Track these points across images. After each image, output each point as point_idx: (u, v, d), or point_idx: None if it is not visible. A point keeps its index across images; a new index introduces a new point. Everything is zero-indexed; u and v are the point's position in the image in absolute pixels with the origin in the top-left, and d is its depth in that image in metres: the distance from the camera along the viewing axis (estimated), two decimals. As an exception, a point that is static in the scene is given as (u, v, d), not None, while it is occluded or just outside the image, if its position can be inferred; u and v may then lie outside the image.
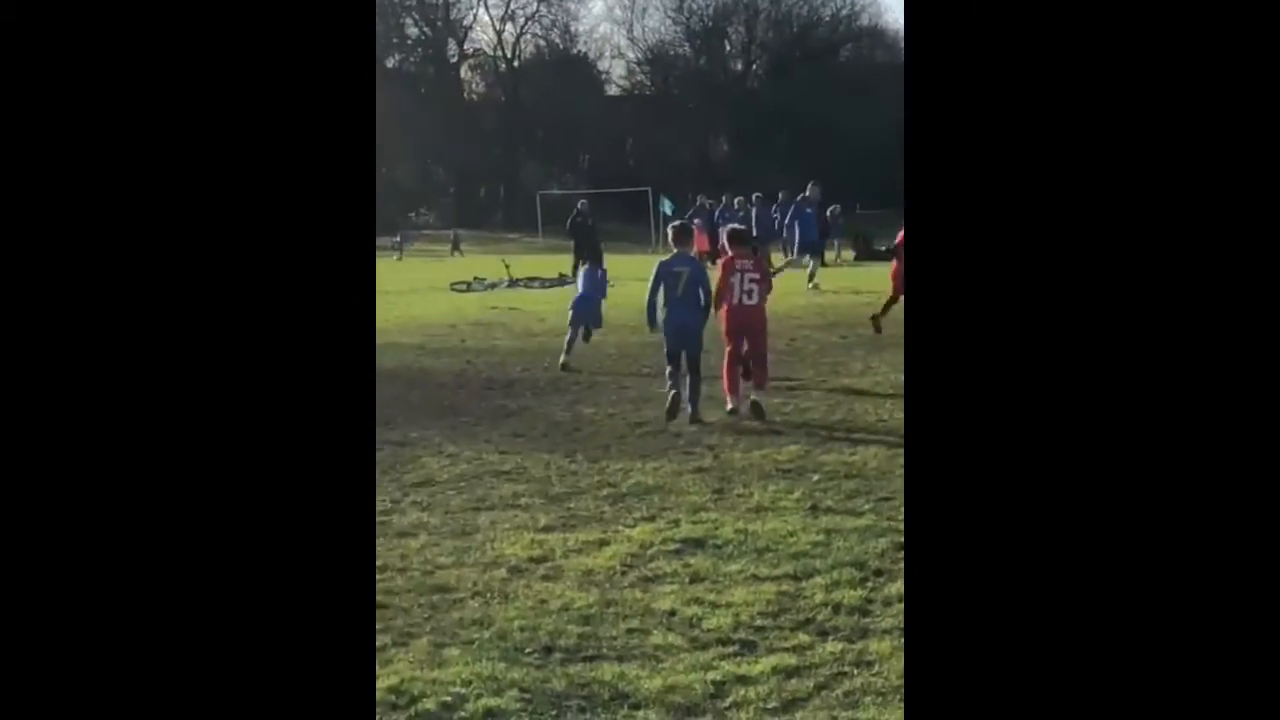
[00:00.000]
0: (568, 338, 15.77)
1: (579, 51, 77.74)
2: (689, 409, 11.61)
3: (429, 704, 5.06)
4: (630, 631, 5.88)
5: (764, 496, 8.47)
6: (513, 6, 76.60)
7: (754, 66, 74.55)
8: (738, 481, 8.96)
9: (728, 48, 74.63)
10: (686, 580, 6.66)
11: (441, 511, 8.34)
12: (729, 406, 11.68)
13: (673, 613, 6.11)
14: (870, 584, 6.47)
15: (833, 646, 5.58)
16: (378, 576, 6.62)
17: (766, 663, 5.41)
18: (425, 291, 30.47)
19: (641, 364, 15.04)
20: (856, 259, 37.19)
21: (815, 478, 8.98)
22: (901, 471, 9.00)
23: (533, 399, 13.16)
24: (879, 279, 27.16)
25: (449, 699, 5.11)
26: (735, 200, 39.65)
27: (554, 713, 5.02)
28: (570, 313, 16.18)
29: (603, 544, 7.41)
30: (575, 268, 32.88)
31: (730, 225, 12.85)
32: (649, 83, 75.56)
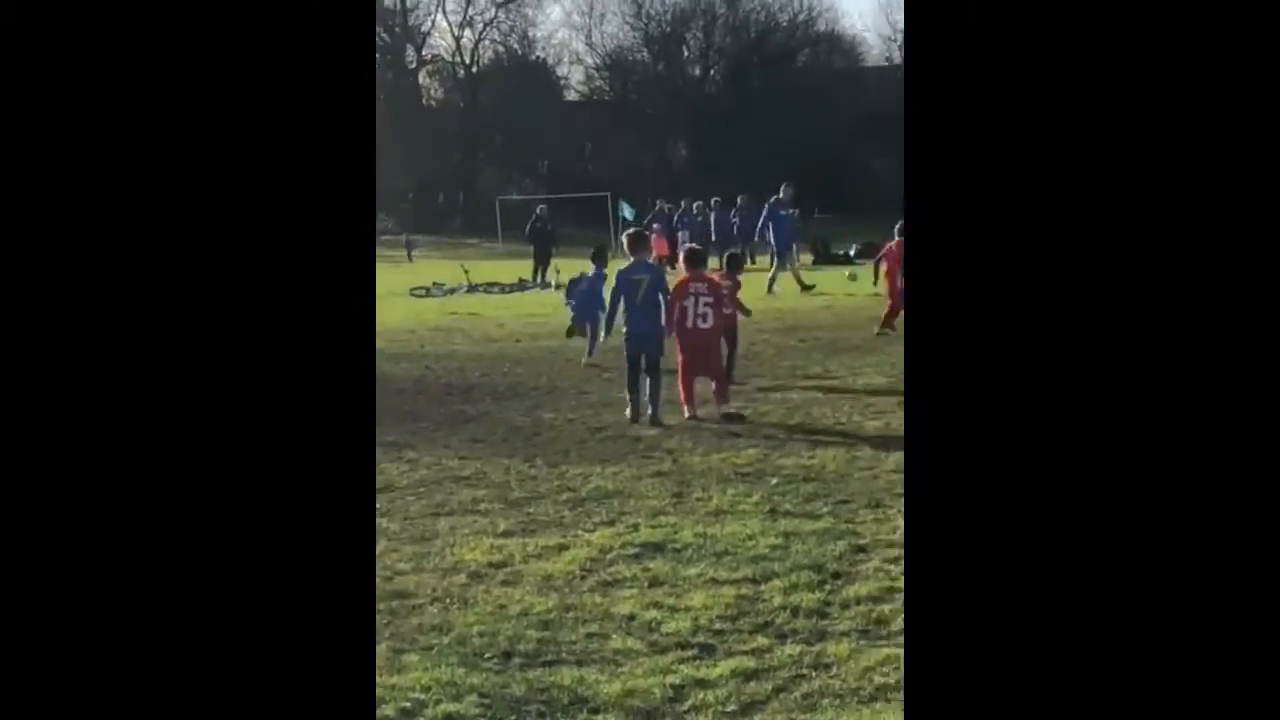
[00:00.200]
0: (588, 338, 15.94)
1: (537, 57, 77.66)
2: (649, 411, 11.71)
3: (388, 710, 5.06)
4: (589, 636, 5.89)
5: (723, 500, 8.49)
6: (471, 13, 76.49)
7: (712, 72, 74.61)
8: (697, 485, 8.98)
9: (686, 53, 74.66)
10: (645, 584, 6.68)
11: (401, 517, 8.33)
12: (686, 414, 11.73)
13: (632, 617, 6.13)
14: (828, 587, 6.49)
15: (791, 649, 5.60)
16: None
17: (725, 666, 5.43)
18: (384, 297, 30.29)
19: (602, 369, 15.05)
20: (815, 263, 37.27)
21: (774, 481, 9.01)
22: (859, 474, 9.06)
23: (492, 404, 13.15)
24: (837, 282, 27.31)
25: (408, 705, 5.11)
26: (694, 205, 39.73)
27: (513, 718, 5.02)
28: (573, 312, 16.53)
29: (562, 549, 7.41)
30: (535, 273, 32.91)
31: (688, 246, 12.85)
32: (607, 88, 75.54)
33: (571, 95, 76.54)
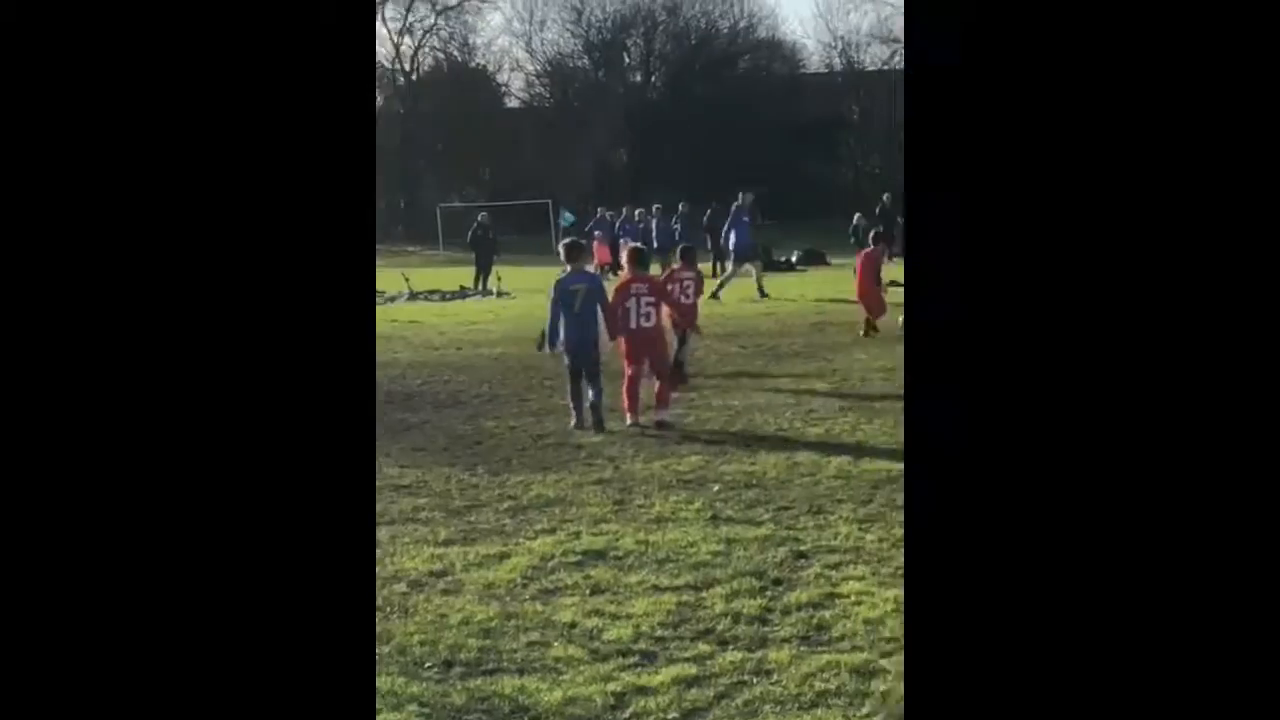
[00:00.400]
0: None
1: (478, 64, 77.44)
2: (592, 417, 11.75)
3: None
4: (530, 644, 5.88)
5: (664, 507, 8.49)
6: (410, 20, 76.20)
7: (653, 78, 74.66)
8: (638, 492, 8.98)
9: (627, 60, 74.68)
10: (587, 592, 6.67)
11: (341, 527, 8.25)
12: (629, 421, 11.73)
13: (573, 625, 6.12)
14: (769, 593, 6.51)
15: (732, 656, 5.61)
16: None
17: (667, 673, 5.43)
18: (324, 305, 30.15)
19: (543, 376, 15.02)
20: (766, 268, 37.40)
21: (715, 488, 9.02)
22: (800, 481, 9.09)
23: (433, 412, 13.10)
24: (778, 288, 27.39)
25: (348, 715, 5.08)
26: (636, 211, 39.76)
27: (454, 727, 5.01)
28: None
29: (503, 557, 7.40)
30: (477, 280, 32.82)
31: (631, 245, 12.86)
32: (548, 95, 75.45)
33: (512, 102, 76.45)
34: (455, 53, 77.69)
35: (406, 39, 77.41)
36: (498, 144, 71.06)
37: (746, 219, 28.57)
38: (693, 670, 5.45)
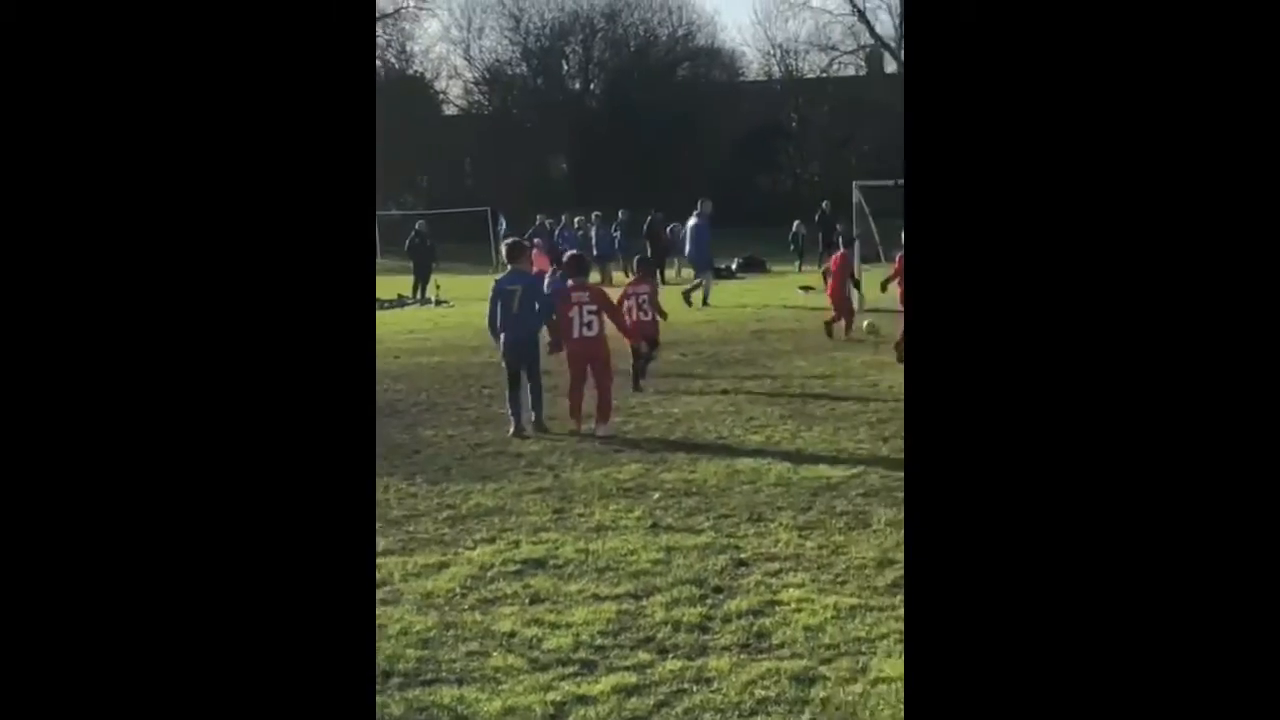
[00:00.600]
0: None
1: (415, 71, 77.05)
2: (533, 416, 11.83)
3: (265, 734, 4.98)
4: (470, 654, 5.85)
5: (605, 515, 8.48)
6: (348, 26, 75.77)
7: (592, 85, 74.61)
8: (578, 501, 8.96)
9: (565, 67, 74.57)
10: (526, 601, 6.64)
11: (278, 537, 8.20)
12: (571, 428, 11.73)
13: (512, 634, 6.09)
14: (710, 601, 6.50)
15: (672, 664, 5.60)
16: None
17: (607, 682, 5.41)
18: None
19: (482, 384, 14.99)
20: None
21: (655, 496, 9.01)
22: (740, 488, 9.10)
23: (371, 421, 13.00)
24: (717, 295, 27.43)
25: (285, 728, 5.04)
26: (575, 219, 39.70)
27: (393, 738, 4.97)
28: None
29: (442, 566, 7.36)
30: (415, 289, 32.68)
31: (570, 253, 12.83)
32: (487, 102, 75.17)
33: (450, 109, 76.13)
34: (393, 60, 77.30)
35: (344, 46, 76.96)
36: (436, 152, 70.80)
37: (705, 225, 28.77)
38: (633, 679, 5.44)
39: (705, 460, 10.21)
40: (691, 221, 29.14)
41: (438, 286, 31.37)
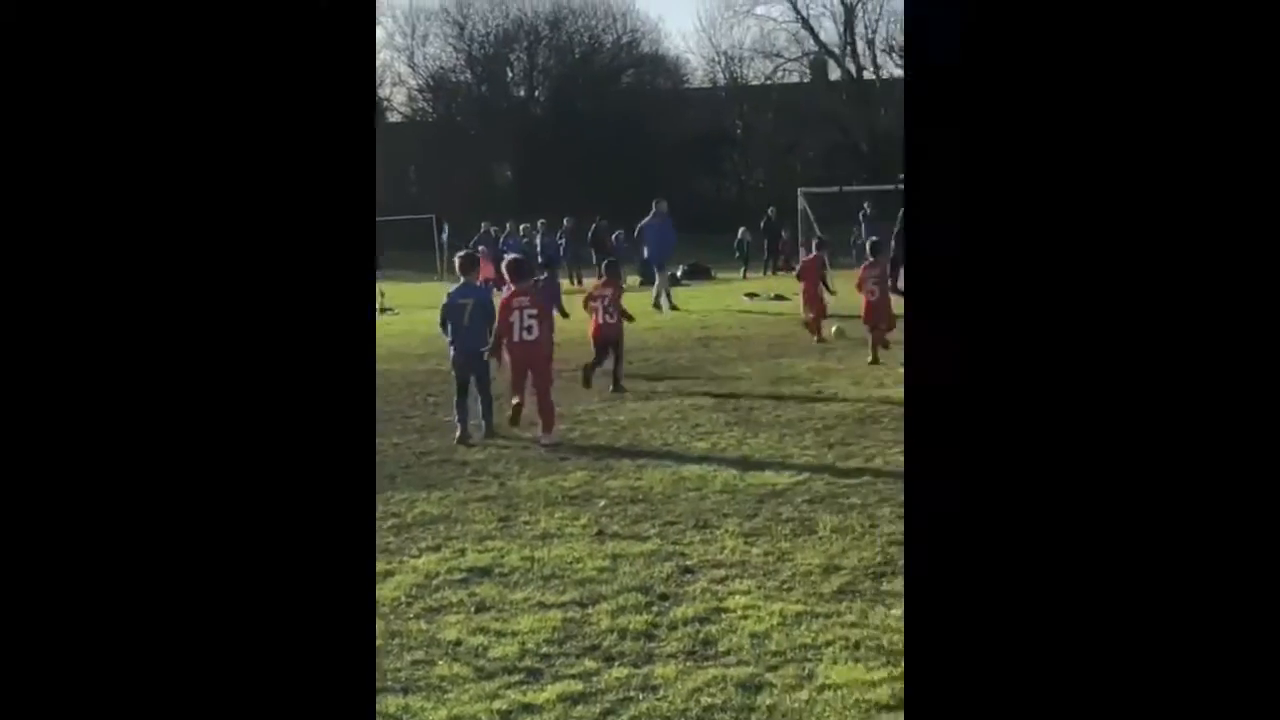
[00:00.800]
0: None
1: (360, 78, 76.91)
2: (482, 426, 11.84)
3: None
4: (415, 663, 5.83)
5: (550, 523, 8.47)
6: (291, 32, 75.44)
7: (536, 93, 74.54)
8: (524, 509, 8.95)
9: (510, 74, 74.42)
10: (472, 609, 6.63)
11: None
12: (516, 430, 11.74)
13: (458, 643, 6.08)
14: (656, 608, 6.50)
15: (618, 672, 5.60)
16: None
17: (553, 690, 5.40)
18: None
19: (427, 392, 14.95)
20: (641, 284, 37.53)
21: (601, 503, 9.01)
22: (686, 495, 9.10)
23: (316, 430, 12.93)
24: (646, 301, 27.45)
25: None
26: (521, 226, 39.70)
27: (338, 749, 4.94)
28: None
29: (387, 575, 7.33)
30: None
31: (509, 256, 12.77)
32: (431, 110, 74.97)
33: (394, 117, 75.81)
34: (337, 67, 77.05)
35: (287, 53, 76.63)
36: (380, 159, 70.54)
37: (663, 226, 28.88)
38: (579, 687, 5.43)
39: (651, 467, 10.22)
40: (648, 221, 29.19)
41: (382, 294, 31.23)
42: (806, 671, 5.48)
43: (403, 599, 6.85)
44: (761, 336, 20.65)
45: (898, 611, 6.16)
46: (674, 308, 26.85)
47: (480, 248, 36.38)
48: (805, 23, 70.02)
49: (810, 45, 70.76)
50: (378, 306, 30.43)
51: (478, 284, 13.00)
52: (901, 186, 15.11)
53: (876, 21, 69.62)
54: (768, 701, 5.17)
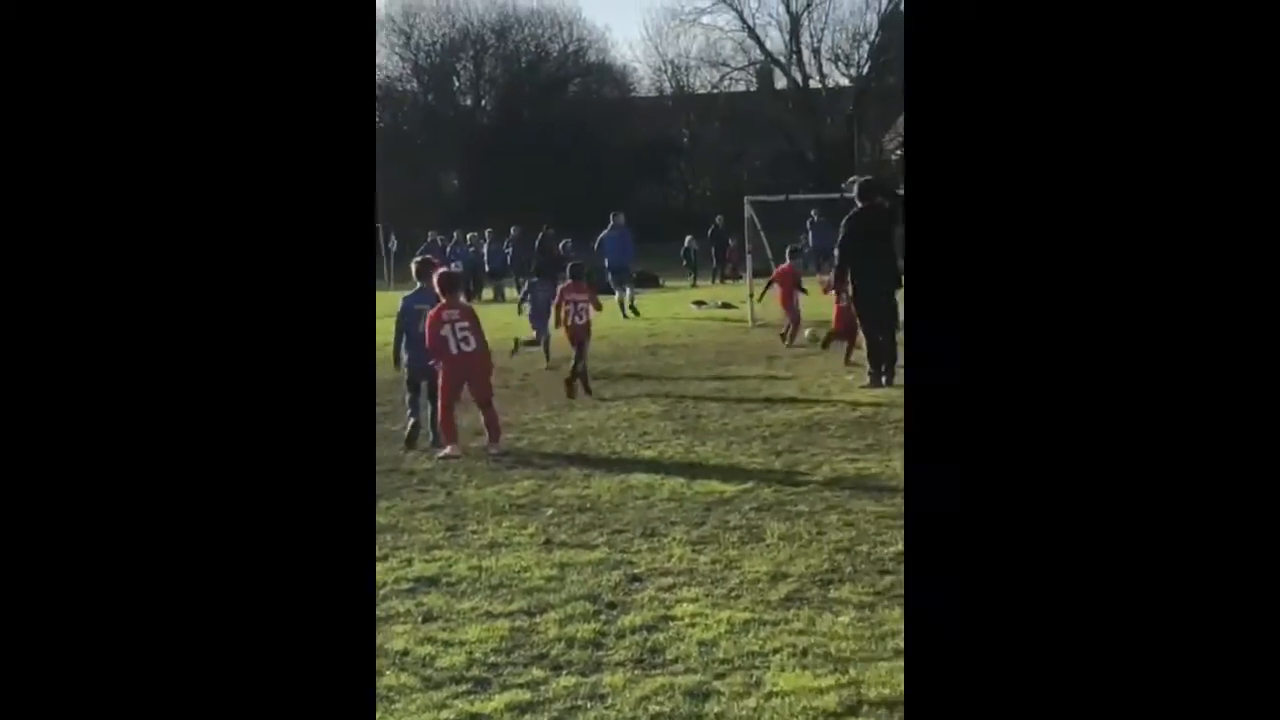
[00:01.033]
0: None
1: (306, 86, 76.61)
2: (430, 436, 11.80)
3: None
4: (362, 674, 5.79)
5: (498, 532, 8.45)
6: (236, 40, 75.03)
7: (483, 102, 74.46)
8: (471, 518, 8.92)
9: (456, 83, 74.29)
10: (419, 619, 6.60)
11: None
12: (441, 453, 11.46)
13: (405, 652, 6.05)
14: (603, 617, 6.50)
15: (566, 681, 5.58)
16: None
17: (500, 699, 5.39)
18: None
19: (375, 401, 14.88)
20: (602, 293, 37.57)
21: (549, 512, 8.99)
22: (634, 504, 9.10)
23: (261, 440, 12.86)
24: (611, 310, 27.46)
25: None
26: (468, 235, 39.62)
27: (284, 761, 4.91)
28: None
29: (334, 586, 7.28)
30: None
31: (440, 270, 12.60)
32: (377, 119, 74.85)
33: (341, 125, 75.63)
34: (282, 75, 76.72)
35: (232, 61, 76.20)
36: (327, 167, 70.28)
37: (622, 237, 29.50)
38: (526, 696, 5.42)
39: (599, 476, 10.21)
40: (606, 234, 29.94)
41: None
42: (754, 679, 5.48)
43: (349, 609, 6.81)
44: (709, 344, 20.69)
45: (845, 618, 6.19)
46: (635, 311, 27.39)
47: (427, 256, 36.35)
48: (751, 32, 70.30)
49: (756, 54, 71.02)
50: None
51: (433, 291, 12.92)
52: (847, 194, 15.14)
53: (822, 30, 70.04)
54: (715, 709, 5.17)
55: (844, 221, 15.17)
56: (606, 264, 29.52)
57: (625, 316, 26.52)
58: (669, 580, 7.11)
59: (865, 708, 5.07)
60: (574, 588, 7.04)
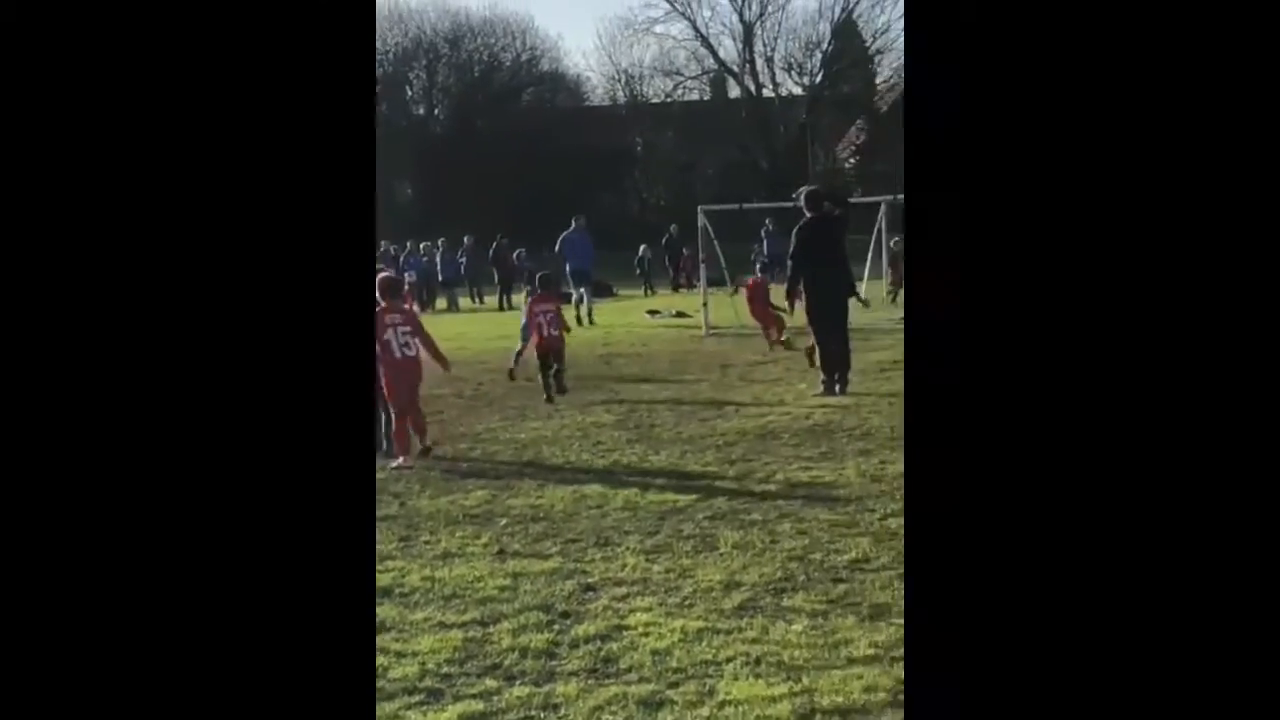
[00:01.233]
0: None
1: (258, 96, 76.32)
2: (383, 445, 11.75)
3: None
4: (314, 686, 5.77)
5: (451, 543, 8.43)
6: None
7: (436, 111, 74.41)
8: (424, 528, 8.89)
9: (409, 93, 74.24)
10: (372, 631, 6.57)
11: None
12: (395, 464, 11.40)
13: (358, 665, 6.02)
14: (557, 626, 6.49)
15: (520, 691, 5.57)
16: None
17: (453, 710, 5.38)
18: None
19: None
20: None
21: (502, 522, 8.97)
22: (587, 513, 9.09)
23: (213, 451, 12.78)
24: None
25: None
26: (421, 245, 39.55)
27: (235, 775, 4.88)
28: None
29: (286, 598, 7.24)
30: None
31: (382, 274, 12.55)
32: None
33: (294, 135, 75.43)
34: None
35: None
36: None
37: (582, 239, 29.70)
38: (479, 706, 5.41)
39: (552, 486, 10.20)
40: (569, 234, 30.16)
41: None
42: (707, 688, 5.48)
43: (301, 621, 6.78)
44: (663, 353, 20.71)
45: (798, 627, 6.20)
46: (590, 320, 27.55)
47: (380, 266, 36.30)
48: (705, 40, 70.57)
49: (710, 63, 71.32)
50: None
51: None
52: (799, 203, 15.18)
53: (775, 39, 70.40)
54: (669, 718, 5.17)
55: (794, 231, 15.21)
56: (567, 267, 29.58)
57: (580, 324, 26.56)
58: (622, 590, 7.10)
59: (818, 716, 5.09)
60: (527, 598, 7.03)
